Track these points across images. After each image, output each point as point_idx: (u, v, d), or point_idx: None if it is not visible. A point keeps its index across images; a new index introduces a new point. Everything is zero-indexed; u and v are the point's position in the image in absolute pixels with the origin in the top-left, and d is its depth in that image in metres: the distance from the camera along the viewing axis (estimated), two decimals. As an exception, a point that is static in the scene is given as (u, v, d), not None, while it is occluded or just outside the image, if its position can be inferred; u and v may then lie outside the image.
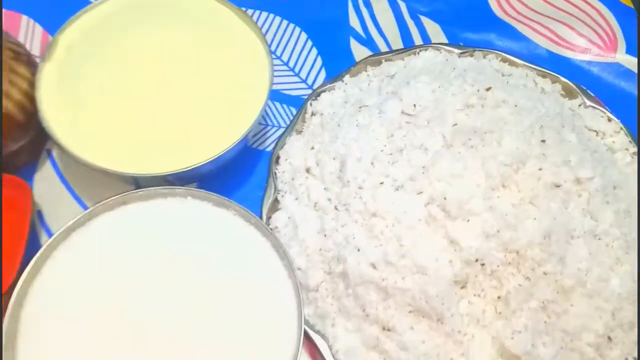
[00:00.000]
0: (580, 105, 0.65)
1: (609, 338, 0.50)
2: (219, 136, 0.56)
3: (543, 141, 0.53)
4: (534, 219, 0.49)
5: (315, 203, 0.57)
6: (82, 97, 0.57)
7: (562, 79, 0.67)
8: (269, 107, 0.68)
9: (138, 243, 0.51)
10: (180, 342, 0.46)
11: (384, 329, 0.50)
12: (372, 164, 0.55)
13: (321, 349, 0.52)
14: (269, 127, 0.68)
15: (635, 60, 0.71)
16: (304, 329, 0.52)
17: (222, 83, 0.59)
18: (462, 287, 0.49)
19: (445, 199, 0.50)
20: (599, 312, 0.49)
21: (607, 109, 0.65)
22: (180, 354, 0.45)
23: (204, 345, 0.47)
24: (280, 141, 0.63)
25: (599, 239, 0.52)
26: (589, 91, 0.66)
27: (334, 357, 0.51)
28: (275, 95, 0.69)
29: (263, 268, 0.51)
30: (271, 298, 0.49)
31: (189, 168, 0.54)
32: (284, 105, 0.69)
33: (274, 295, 0.50)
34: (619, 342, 0.50)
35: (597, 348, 0.49)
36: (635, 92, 0.69)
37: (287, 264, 0.51)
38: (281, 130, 0.66)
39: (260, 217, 0.59)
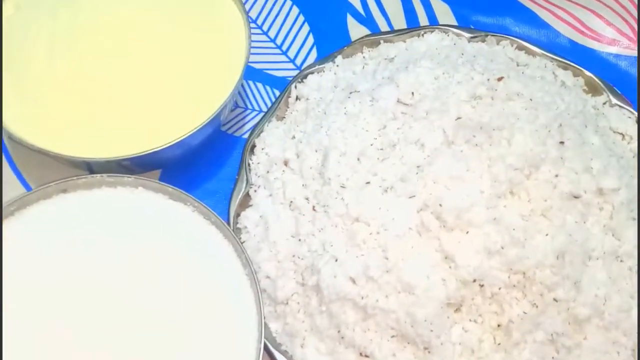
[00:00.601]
0: (605, 104, 0.59)
1: (627, 379, 0.45)
2: (184, 117, 0.50)
3: (561, 142, 0.49)
4: (546, 234, 0.45)
5: (291, 201, 0.51)
6: (27, 65, 0.51)
7: (586, 72, 0.61)
8: (250, 88, 0.62)
9: (77, 238, 0.45)
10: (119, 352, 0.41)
11: (361, 354, 0.45)
12: (358, 159, 0.49)
13: (286, 374, 0.47)
14: (247, 111, 0.61)
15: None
16: (268, 348, 0.47)
17: (190, 56, 0.52)
18: (455, 311, 0.45)
19: (441, 205, 0.45)
20: (616, 348, 0.46)
21: (635, 109, 0.58)
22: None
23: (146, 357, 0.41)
24: (257, 128, 0.57)
25: (621, 262, 0.47)
26: (615, 88, 0.60)
27: (301, 383, 0.46)
28: (257, 75, 0.62)
29: (221, 275, 0.45)
30: (228, 311, 0.44)
31: (146, 152, 0.48)
32: (267, 87, 0.62)
33: (231, 307, 0.44)
34: (639, 386, 0.46)
35: (613, 391, 0.45)
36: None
37: (250, 272, 0.45)
38: (261, 116, 0.59)
39: (228, 214, 0.53)
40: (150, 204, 0.47)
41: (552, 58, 0.61)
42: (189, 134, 0.48)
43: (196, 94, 0.51)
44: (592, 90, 0.60)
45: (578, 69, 0.61)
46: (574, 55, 0.64)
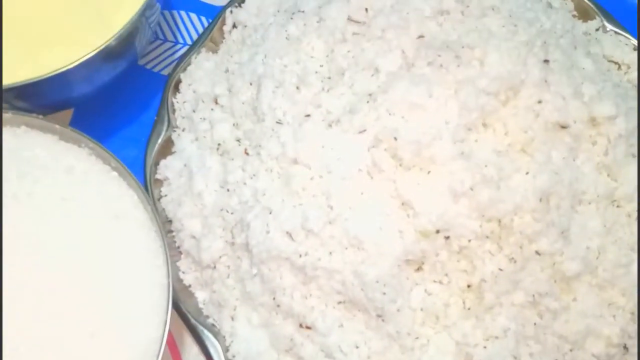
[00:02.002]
0: (598, 30, 0.54)
1: (626, 348, 0.43)
2: (82, 46, 0.43)
3: (546, 62, 0.43)
4: (526, 173, 0.41)
5: (219, 144, 0.45)
6: None
7: (575, -7, 0.56)
8: (181, 19, 0.55)
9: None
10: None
11: (301, 325, 0.41)
12: (297, 88, 0.43)
13: (212, 354, 0.41)
14: (178, 46, 0.55)
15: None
16: (191, 323, 0.41)
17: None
18: (416, 270, 0.41)
19: (396, 139, 0.40)
20: (612, 311, 0.42)
21: (632, 36, 0.54)
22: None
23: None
24: (183, 61, 0.50)
25: (618, 207, 0.44)
26: (610, 13, 0.55)
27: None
28: (190, 4, 0.56)
29: (123, 233, 0.39)
30: (130, 274, 0.38)
31: (29, 82, 0.40)
32: (202, 18, 0.56)
33: (134, 270, 0.38)
34: (640, 355, 0.42)
35: (607, 362, 0.41)
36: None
37: (158, 229, 0.38)
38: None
39: (145, 161, 0.46)
40: (37, 147, 0.40)
41: (537, -21, 0.55)
42: (78, 62, 0.41)
43: (98, 19, 0.44)
44: (583, 15, 0.54)
45: (566, -11, 0.56)
46: (562, -21, 0.59)
